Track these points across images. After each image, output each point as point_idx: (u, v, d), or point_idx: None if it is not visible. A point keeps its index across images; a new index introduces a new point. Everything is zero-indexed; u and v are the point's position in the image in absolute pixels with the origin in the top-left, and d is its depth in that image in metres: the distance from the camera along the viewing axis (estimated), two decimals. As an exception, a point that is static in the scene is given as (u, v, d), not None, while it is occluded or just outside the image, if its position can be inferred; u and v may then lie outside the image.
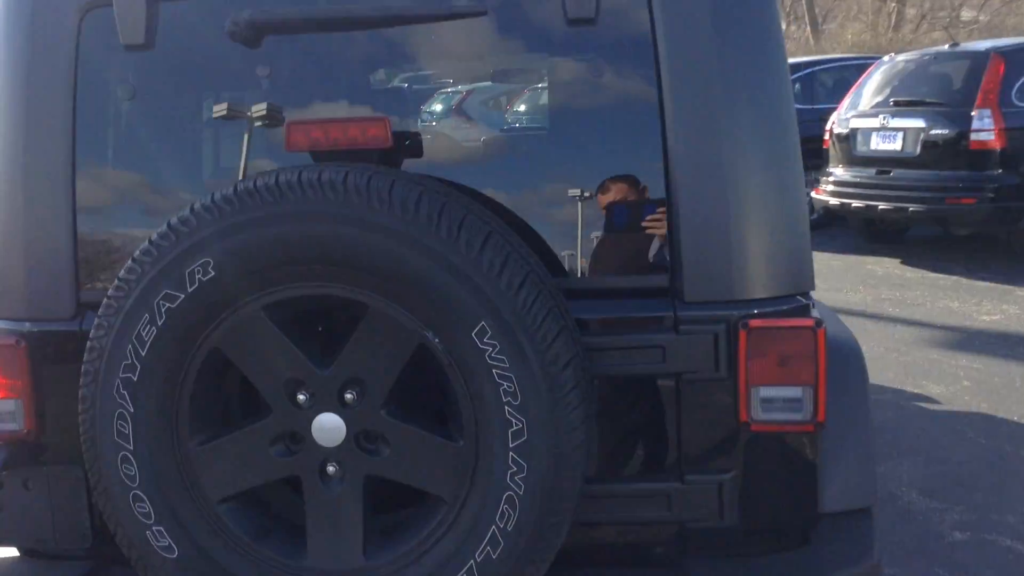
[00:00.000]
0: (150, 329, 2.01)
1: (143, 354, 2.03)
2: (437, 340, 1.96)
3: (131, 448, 2.06)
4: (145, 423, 2.06)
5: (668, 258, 2.23)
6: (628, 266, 2.32)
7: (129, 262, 2.03)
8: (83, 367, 2.08)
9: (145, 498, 2.07)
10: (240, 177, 2.35)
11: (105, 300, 2.05)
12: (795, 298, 2.24)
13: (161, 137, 2.45)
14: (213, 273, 1.98)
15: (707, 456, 2.28)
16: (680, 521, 2.29)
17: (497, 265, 1.91)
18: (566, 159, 2.35)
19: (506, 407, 1.93)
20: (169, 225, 2.00)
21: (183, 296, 1.99)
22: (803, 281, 2.26)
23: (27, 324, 2.37)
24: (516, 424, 1.93)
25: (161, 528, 2.08)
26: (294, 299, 2.03)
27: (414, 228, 1.91)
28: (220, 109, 2.40)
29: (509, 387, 1.92)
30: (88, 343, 2.07)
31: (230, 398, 2.20)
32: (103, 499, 2.11)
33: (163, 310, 2.00)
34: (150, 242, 2.01)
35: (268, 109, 2.32)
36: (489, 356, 1.92)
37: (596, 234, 2.29)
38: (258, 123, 2.36)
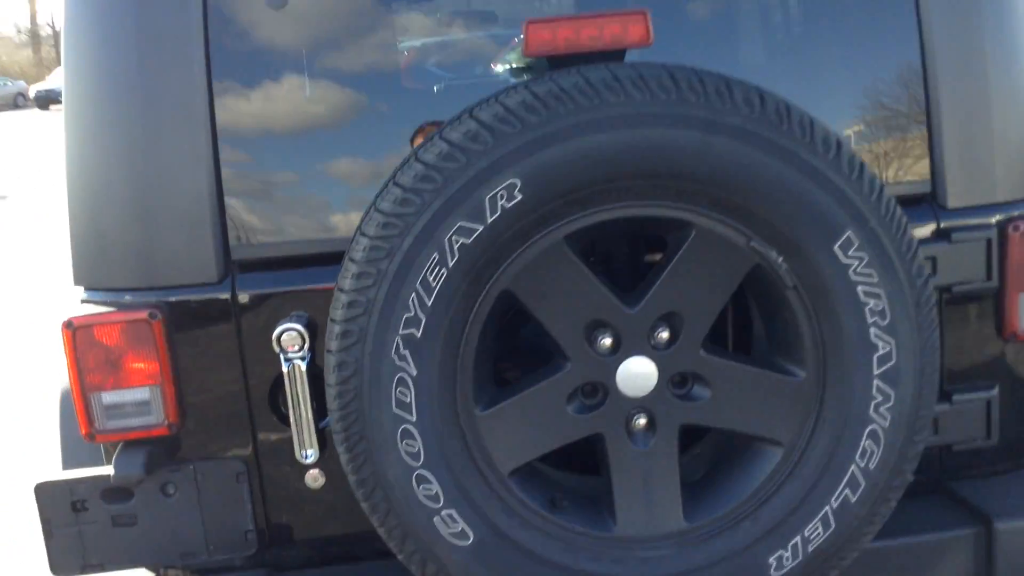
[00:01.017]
0: (439, 272, 1.65)
1: (429, 304, 1.65)
2: (781, 259, 1.71)
3: (414, 419, 1.69)
4: (428, 388, 1.69)
5: (930, 162, 2.07)
6: (886, 172, 2.14)
7: (396, 191, 1.65)
8: (337, 328, 1.68)
9: (432, 478, 1.71)
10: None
11: (367, 242, 1.66)
12: None
13: (316, 52, 2.05)
14: (519, 197, 1.63)
15: (973, 373, 2.15)
16: (947, 444, 2.15)
17: (856, 166, 1.68)
18: (823, 60, 2.13)
19: (872, 329, 1.70)
20: (451, 142, 1.64)
21: (481, 228, 1.64)
22: None
23: (162, 293, 1.93)
24: (883, 347, 1.71)
25: (452, 511, 1.72)
26: (600, 225, 1.71)
27: (763, 128, 1.64)
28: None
29: (876, 305, 1.69)
30: (344, 298, 1.67)
31: (513, 352, 1.86)
32: (367, 488, 1.72)
33: (456, 247, 1.64)
34: (427, 165, 1.64)
35: None
36: (854, 271, 1.68)
37: (853, 138, 2.10)
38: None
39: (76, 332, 1.87)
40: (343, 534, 2.11)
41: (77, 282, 1.97)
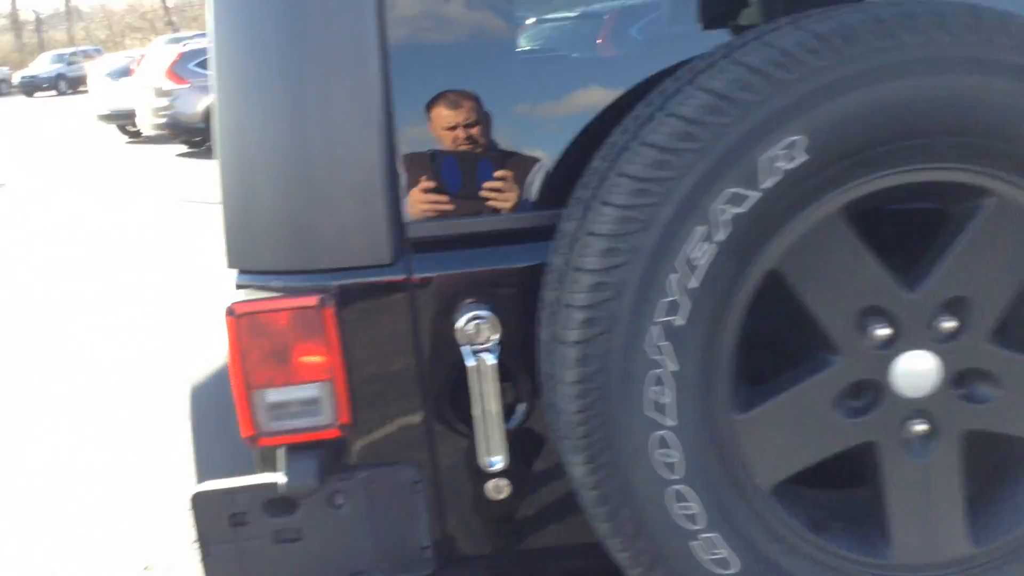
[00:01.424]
0: (706, 248, 1.38)
1: (694, 286, 1.39)
2: None
3: (673, 424, 1.42)
4: (688, 387, 1.43)
5: None
6: None
7: (648, 152, 1.38)
8: (578, 315, 1.41)
9: (691, 495, 1.44)
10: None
11: (614, 213, 1.39)
12: None
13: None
14: (805, 157, 1.37)
15: None
16: None
17: None
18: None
19: None
20: (715, 93, 1.37)
21: (758, 195, 1.37)
22: None
23: (329, 276, 1.65)
24: None
25: (714, 535, 1.45)
26: (881, 192, 1.45)
27: None
28: None
29: None
30: (586, 279, 1.40)
31: (769, 342, 1.59)
32: (611, 505, 1.46)
33: (727, 218, 1.37)
34: (686, 120, 1.37)
35: None
36: None
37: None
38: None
39: (239, 320, 1.60)
40: (526, 551, 1.84)
41: (232, 264, 1.69)
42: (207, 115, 16.90)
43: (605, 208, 1.39)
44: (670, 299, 1.38)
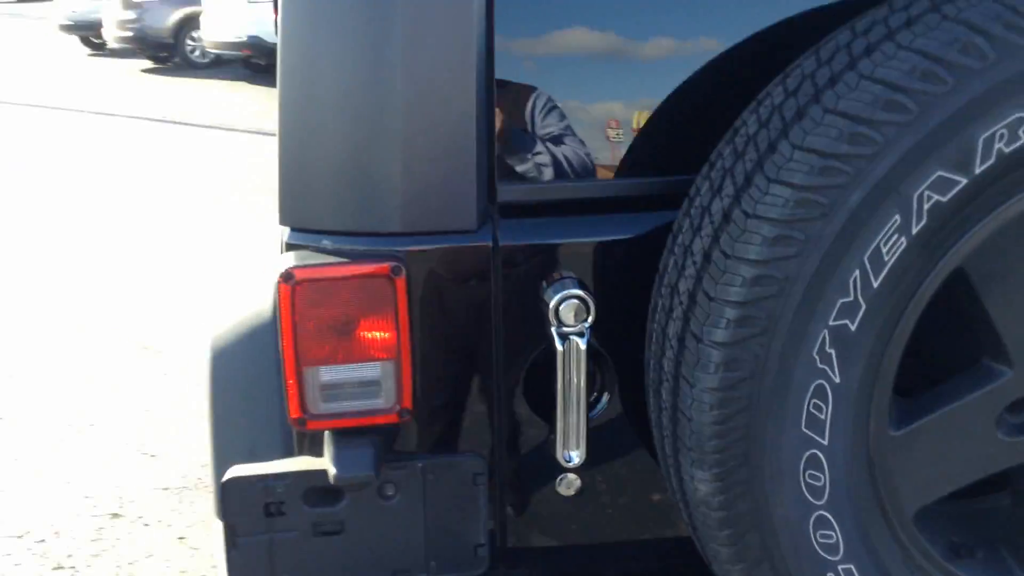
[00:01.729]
0: (897, 240, 1.14)
1: (875, 285, 1.16)
2: None
3: (825, 443, 1.20)
4: (848, 401, 1.21)
5: None
6: None
7: (838, 123, 1.13)
8: (731, 311, 1.17)
9: (834, 521, 1.23)
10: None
11: (789, 194, 1.14)
12: None
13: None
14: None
15: None
16: None
17: None
18: None
19: None
20: (928, 55, 1.12)
21: (965, 181, 1.14)
22: None
23: (402, 241, 1.38)
24: None
25: (851, 566, 1.25)
26: None
27: None
28: None
29: None
30: (746, 270, 1.16)
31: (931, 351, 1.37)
32: (738, 528, 1.24)
33: (927, 206, 1.14)
34: (891, 87, 1.11)
35: None
36: None
37: None
38: None
39: (297, 287, 1.31)
40: (587, 549, 1.64)
41: (285, 220, 1.40)
42: (177, 30, 16.10)
43: (776, 187, 1.14)
44: (847, 300, 1.15)
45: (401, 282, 1.35)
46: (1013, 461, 1.32)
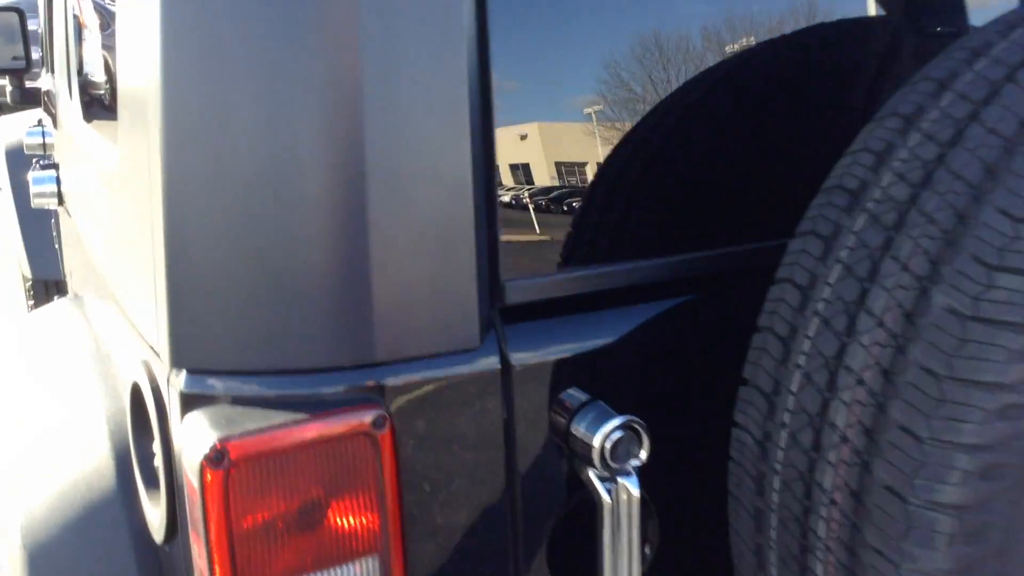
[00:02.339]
0: None
1: None
2: None
3: None
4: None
5: None
6: None
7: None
8: (993, 401, 0.78)
9: None
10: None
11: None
12: None
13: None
14: None
15: None
16: None
17: None
18: None
19: None
20: None
21: None
22: None
23: (378, 373, 0.95)
24: None
25: None
26: None
27: None
28: None
29: None
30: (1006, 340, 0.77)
31: None
32: None
33: None
34: None
35: None
36: None
37: None
38: None
39: (231, 472, 0.85)
40: None
41: (178, 360, 0.92)
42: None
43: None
44: None
45: (386, 439, 0.90)
46: None
